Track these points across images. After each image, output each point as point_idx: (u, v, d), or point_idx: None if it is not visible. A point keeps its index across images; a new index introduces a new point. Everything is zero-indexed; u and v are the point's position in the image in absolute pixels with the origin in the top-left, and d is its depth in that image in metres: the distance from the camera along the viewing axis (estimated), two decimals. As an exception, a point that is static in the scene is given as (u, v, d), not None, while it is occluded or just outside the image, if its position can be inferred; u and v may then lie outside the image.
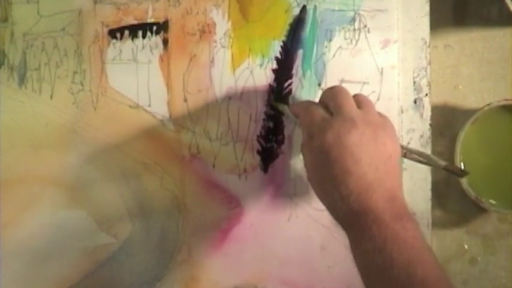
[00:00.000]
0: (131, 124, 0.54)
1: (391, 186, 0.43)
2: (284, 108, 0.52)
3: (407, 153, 0.49)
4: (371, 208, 0.42)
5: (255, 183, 0.54)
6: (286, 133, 0.54)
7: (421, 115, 0.54)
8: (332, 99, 0.46)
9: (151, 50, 0.53)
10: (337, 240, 0.55)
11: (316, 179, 0.45)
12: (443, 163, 0.48)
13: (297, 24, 0.53)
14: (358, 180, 0.42)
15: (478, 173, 0.55)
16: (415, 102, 0.54)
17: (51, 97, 0.53)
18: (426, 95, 0.54)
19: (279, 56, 0.53)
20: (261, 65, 0.53)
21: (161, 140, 0.54)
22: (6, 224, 0.53)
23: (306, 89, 0.53)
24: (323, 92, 0.48)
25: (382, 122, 0.46)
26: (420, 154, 0.49)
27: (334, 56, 0.53)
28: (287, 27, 0.53)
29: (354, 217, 0.42)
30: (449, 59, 0.57)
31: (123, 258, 0.54)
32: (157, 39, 0.53)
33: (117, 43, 0.53)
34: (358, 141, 0.43)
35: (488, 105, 0.54)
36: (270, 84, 0.53)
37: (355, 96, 0.47)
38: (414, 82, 0.54)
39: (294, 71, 0.53)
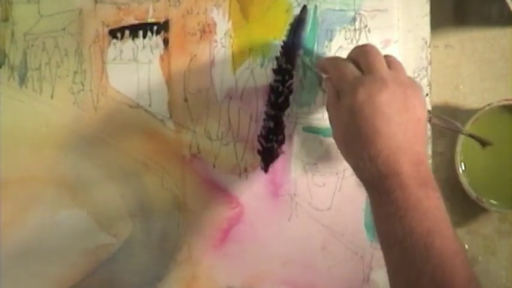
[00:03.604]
0: (132, 124, 0.54)
1: (419, 150, 0.43)
2: (309, 61, 0.52)
3: (433, 118, 0.49)
4: (397, 172, 0.41)
5: (256, 183, 0.54)
6: (286, 133, 0.54)
7: (422, 115, 0.54)
8: (363, 56, 0.45)
9: (151, 50, 0.53)
10: (338, 240, 0.55)
11: (343, 138, 0.45)
12: (467, 131, 0.49)
13: (298, 24, 0.53)
14: (387, 141, 0.42)
15: (478, 173, 0.55)
16: (415, 102, 0.54)
17: (51, 97, 0.53)
18: (427, 95, 0.54)
19: (279, 56, 0.53)
20: (261, 65, 0.53)
21: (161, 139, 0.54)
22: (6, 224, 0.53)
23: (306, 89, 0.53)
24: (353, 48, 0.47)
25: (412, 84, 0.45)
26: (446, 120, 0.49)
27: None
28: (287, 27, 0.53)
29: (379, 179, 0.42)
30: (449, 59, 0.57)
31: (124, 258, 0.54)
32: (157, 39, 0.53)
33: (118, 43, 0.53)
34: (389, 101, 0.42)
35: (488, 105, 0.54)
36: (270, 85, 0.53)
37: (386, 57, 0.46)
38: (415, 82, 0.54)
39: (294, 71, 0.53)
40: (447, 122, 0.49)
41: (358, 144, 0.43)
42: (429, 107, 0.52)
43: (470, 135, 0.49)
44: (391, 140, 0.42)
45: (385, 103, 0.42)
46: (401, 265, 0.40)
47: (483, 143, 0.50)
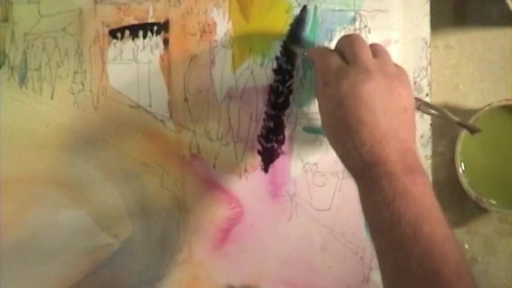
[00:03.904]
0: (132, 124, 0.54)
1: (405, 138, 0.43)
2: (300, 51, 0.52)
3: (421, 105, 0.49)
4: (383, 160, 0.42)
5: (256, 183, 0.54)
6: (286, 133, 0.54)
7: (422, 115, 0.54)
8: (348, 46, 0.45)
9: (151, 50, 0.53)
10: (338, 240, 0.55)
11: (330, 127, 0.45)
12: (456, 118, 0.48)
13: (298, 24, 0.53)
14: (372, 130, 0.42)
15: (478, 173, 0.55)
16: (415, 102, 0.54)
17: (51, 97, 0.53)
18: (427, 95, 0.54)
19: (279, 56, 0.53)
20: (261, 65, 0.53)
21: (161, 140, 0.54)
22: (6, 224, 0.53)
23: (306, 89, 0.53)
24: (339, 39, 0.47)
25: (398, 73, 0.45)
26: (434, 108, 0.49)
27: (334, 56, 0.53)
28: (288, 27, 0.53)
29: (365, 168, 0.42)
30: (449, 59, 0.57)
31: (124, 258, 0.54)
32: (158, 39, 0.53)
33: (118, 43, 0.53)
34: (373, 91, 0.42)
35: (488, 105, 0.54)
36: (270, 85, 0.53)
37: (372, 46, 0.46)
38: (415, 82, 0.54)
39: (294, 72, 0.53)
40: (435, 109, 0.49)
41: (343, 134, 0.43)
42: (417, 95, 0.51)
43: (459, 123, 0.49)
44: (376, 130, 0.42)
45: (369, 93, 0.42)
46: (390, 252, 0.40)
47: (472, 131, 0.50)
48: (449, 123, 0.55)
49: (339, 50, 0.46)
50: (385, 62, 0.45)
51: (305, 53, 0.51)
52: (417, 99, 0.47)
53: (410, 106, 0.45)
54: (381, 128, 0.42)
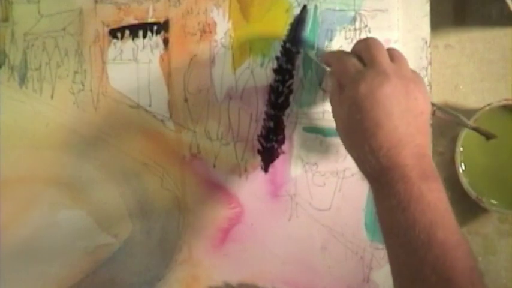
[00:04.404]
0: (132, 124, 0.54)
1: (421, 143, 0.43)
2: (313, 55, 0.52)
3: (437, 111, 0.49)
4: (399, 164, 0.41)
5: (256, 183, 0.54)
6: (286, 133, 0.54)
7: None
8: (366, 50, 0.46)
9: (152, 50, 0.53)
10: (338, 240, 0.55)
11: (345, 131, 0.45)
12: (471, 124, 0.49)
13: (298, 24, 0.53)
14: (388, 134, 0.42)
15: (478, 173, 0.55)
16: (415, 102, 0.54)
17: (51, 97, 0.53)
18: (427, 95, 0.54)
19: (279, 55, 0.53)
20: (261, 65, 0.53)
21: (161, 139, 0.54)
22: (6, 224, 0.53)
23: (306, 89, 0.53)
24: (356, 42, 0.48)
25: (415, 77, 0.45)
26: (450, 113, 0.49)
27: (334, 56, 0.53)
28: (288, 27, 0.53)
29: (382, 172, 0.42)
30: (449, 59, 0.57)
31: (124, 258, 0.54)
32: (158, 39, 0.53)
33: (118, 43, 0.53)
34: (390, 94, 0.42)
35: (488, 105, 0.54)
36: (270, 85, 0.53)
37: (389, 50, 0.46)
38: (415, 82, 0.54)
39: (294, 71, 0.53)
40: (451, 114, 0.49)
41: (360, 137, 0.43)
42: (433, 100, 0.51)
43: (474, 129, 0.49)
44: (392, 133, 0.42)
45: (387, 96, 0.42)
46: (404, 256, 0.40)
47: (488, 137, 0.50)
48: (449, 123, 0.55)
49: (356, 53, 0.47)
50: (402, 66, 0.45)
51: (319, 57, 0.51)
52: (433, 105, 0.48)
53: (427, 110, 0.45)
54: (398, 132, 0.42)
